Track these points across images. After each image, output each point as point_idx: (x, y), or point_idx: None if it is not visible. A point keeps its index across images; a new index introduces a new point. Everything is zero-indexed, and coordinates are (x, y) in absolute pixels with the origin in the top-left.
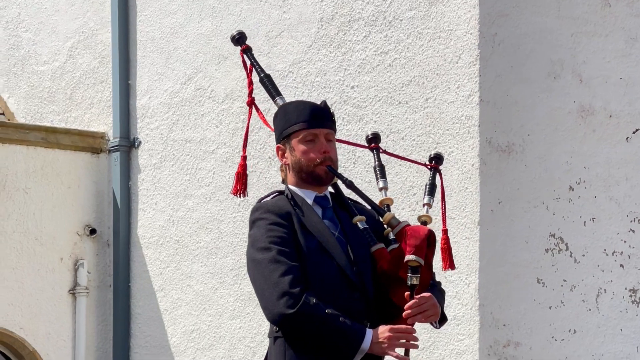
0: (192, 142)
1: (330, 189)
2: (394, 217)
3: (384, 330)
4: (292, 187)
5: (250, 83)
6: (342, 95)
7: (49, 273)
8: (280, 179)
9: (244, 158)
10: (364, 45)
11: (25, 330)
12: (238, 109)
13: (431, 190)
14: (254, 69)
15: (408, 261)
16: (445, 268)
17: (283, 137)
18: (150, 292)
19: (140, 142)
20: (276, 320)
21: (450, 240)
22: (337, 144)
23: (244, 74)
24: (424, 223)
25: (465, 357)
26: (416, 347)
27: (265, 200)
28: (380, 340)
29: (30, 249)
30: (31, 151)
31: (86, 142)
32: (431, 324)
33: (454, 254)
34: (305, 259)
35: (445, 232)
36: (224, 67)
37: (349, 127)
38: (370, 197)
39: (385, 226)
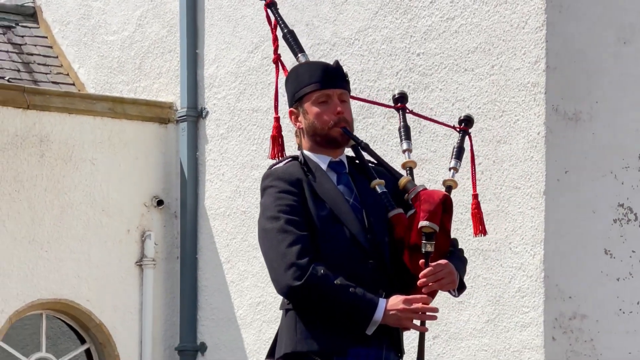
0: (259, 111)
1: (349, 152)
2: (410, 181)
3: (397, 301)
4: (306, 152)
5: (275, 39)
6: (407, 62)
7: (116, 245)
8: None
9: (277, 119)
10: (430, 11)
11: (92, 303)
12: None
13: (458, 153)
14: (278, 25)
15: (422, 227)
16: (475, 234)
17: (295, 100)
18: (217, 264)
19: (207, 112)
20: (284, 292)
21: (515, 211)
22: (373, 106)
23: (310, 41)
24: (449, 187)
25: (530, 330)
26: (434, 318)
27: (276, 166)
28: (393, 311)
29: (97, 221)
30: (98, 122)
31: (153, 113)
32: (449, 292)
33: (518, 224)
34: (315, 228)
35: (475, 196)
36: None
37: (415, 95)
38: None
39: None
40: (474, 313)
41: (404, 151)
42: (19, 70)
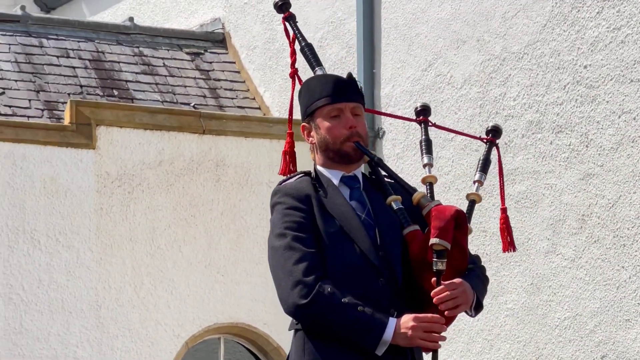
0: (432, 130)
1: (363, 168)
2: (424, 197)
3: (407, 320)
4: (319, 168)
5: (293, 53)
6: (575, 75)
7: None
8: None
9: (291, 135)
10: (596, 22)
11: (269, 326)
12: (475, 94)
13: (484, 166)
14: (296, 39)
15: (432, 245)
16: (505, 250)
17: (307, 114)
18: None
19: (384, 132)
20: (291, 311)
21: None
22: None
23: (481, 57)
24: (473, 202)
25: None
26: (444, 338)
27: (286, 182)
28: (403, 330)
29: None
30: (274, 144)
31: None
32: (465, 312)
33: None
34: (324, 244)
35: (504, 210)
36: (462, 52)
37: (582, 108)
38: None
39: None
40: None
41: (424, 165)
42: (204, 96)
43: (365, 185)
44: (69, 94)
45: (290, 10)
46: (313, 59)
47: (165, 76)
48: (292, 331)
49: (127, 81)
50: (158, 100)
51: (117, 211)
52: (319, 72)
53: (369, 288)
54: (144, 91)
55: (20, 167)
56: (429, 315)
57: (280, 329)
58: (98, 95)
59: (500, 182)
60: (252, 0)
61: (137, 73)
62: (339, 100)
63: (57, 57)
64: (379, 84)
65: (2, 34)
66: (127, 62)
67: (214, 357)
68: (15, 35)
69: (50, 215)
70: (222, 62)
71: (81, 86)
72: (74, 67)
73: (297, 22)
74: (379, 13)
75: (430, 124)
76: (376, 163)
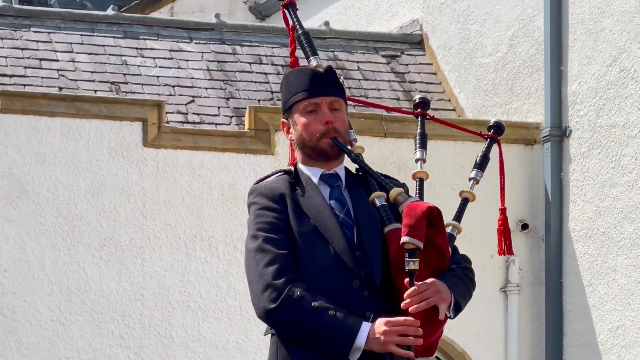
0: (617, 127)
1: (344, 164)
2: (400, 194)
3: (380, 324)
4: (299, 166)
5: (293, 41)
6: None
7: (479, 271)
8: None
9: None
10: None
11: (454, 331)
12: None
13: (481, 163)
14: (295, 27)
15: (403, 243)
16: (500, 253)
17: (285, 110)
18: (580, 288)
19: (570, 131)
20: (261, 315)
21: None
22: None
23: None
24: (465, 200)
25: None
26: (419, 343)
27: (263, 181)
28: (376, 335)
29: (458, 247)
30: (459, 146)
31: (519, 134)
32: (437, 313)
33: None
34: (297, 246)
35: (503, 211)
36: None
37: None
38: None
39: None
40: None
41: (416, 160)
42: (398, 99)
43: (349, 183)
44: (258, 100)
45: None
46: (309, 48)
47: (359, 80)
48: (269, 336)
49: None
50: (350, 105)
51: None
52: (313, 62)
53: (341, 290)
54: None
55: (199, 174)
56: (402, 318)
57: (465, 334)
58: None
59: (500, 181)
60: (448, 0)
61: None
62: (314, 94)
63: (250, 63)
64: (566, 81)
65: (195, 43)
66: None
67: None
68: (209, 44)
69: (228, 222)
70: (419, 64)
71: (272, 92)
72: (265, 74)
73: (297, 9)
74: (567, 8)
75: (427, 117)
76: (353, 159)
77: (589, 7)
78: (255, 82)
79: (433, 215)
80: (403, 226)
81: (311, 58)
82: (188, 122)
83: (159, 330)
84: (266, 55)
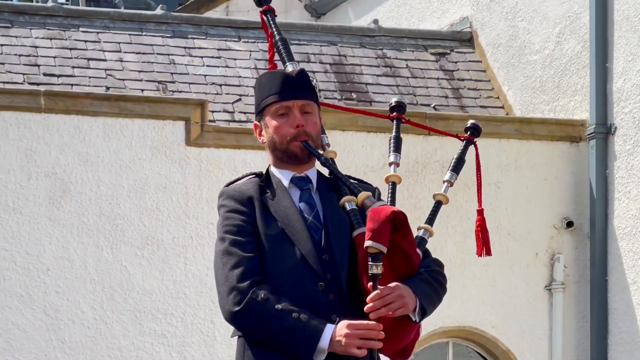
0: None
1: (316, 167)
2: (368, 198)
3: (342, 327)
4: (271, 168)
5: (271, 48)
6: None
7: (523, 269)
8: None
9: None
10: None
11: (497, 329)
12: None
13: (456, 165)
14: (272, 33)
15: (366, 248)
16: (479, 254)
17: (257, 112)
18: (625, 286)
19: (616, 128)
20: (227, 318)
21: None
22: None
23: None
24: (439, 202)
25: None
26: (379, 346)
27: (233, 184)
28: (338, 338)
29: (502, 245)
30: (503, 144)
31: (564, 131)
32: (409, 316)
33: None
34: (263, 248)
35: (480, 212)
36: None
37: None
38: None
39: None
40: None
41: (390, 164)
42: (446, 97)
43: (321, 186)
44: None
45: (270, 4)
46: (285, 54)
47: (407, 77)
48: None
49: (367, 84)
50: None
51: None
52: (289, 67)
53: (307, 293)
54: (383, 94)
55: (241, 173)
56: (364, 322)
57: (509, 332)
58: (335, 99)
59: (477, 182)
60: None
61: (378, 75)
62: (285, 97)
63: (298, 62)
64: (611, 78)
65: (244, 42)
66: (368, 64)
67: None
68: (257, 42)
69: None
70: (468, 62)
71: (319, 90)
72: (314, 72)
73: (275, 16)
74: (612, 5)
75: (403, 120)
76: (323, 163)
77: (634, 4)
78: None
79: (397, 219)
80: (367, 230)
81: (287, 64)
82: (234, 121)
83: (201, 329)
84: (314, 54)
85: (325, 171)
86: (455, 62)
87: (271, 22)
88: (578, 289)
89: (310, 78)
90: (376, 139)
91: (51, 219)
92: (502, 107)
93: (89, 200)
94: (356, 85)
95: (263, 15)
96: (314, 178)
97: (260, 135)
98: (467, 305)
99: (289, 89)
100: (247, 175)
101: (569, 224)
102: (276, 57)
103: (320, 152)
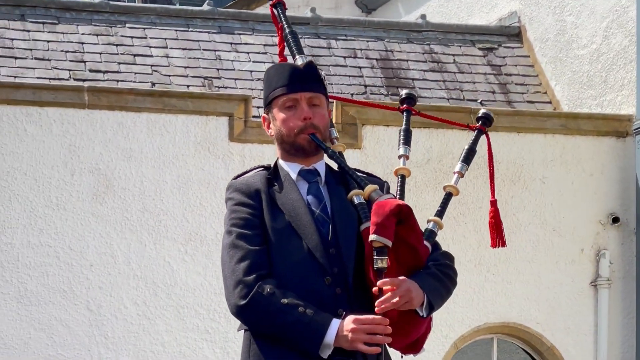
0: None
1: (325, 160)
2: (375, 191)
3: (348, 322)
4: (279, 161)
5: (281, 41)
6: None
7: (568, 265)
8: None
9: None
10: None
11: (542, 325)
12: None
13: (467, 156)
14: (283, 26)
15: (371, 242)
16: (493, 245)
17: (266, 105)
18: None
19: None
20: (233, 311)
21: None
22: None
23: None
24: (449, 194)
25: None
26: (387, 341)
27: (240, 177)
28: (345, 333)
29: (547, 241)
30: (549, 139)
31: (610, 126)
32: (416, 311)
33: None
34: (270, 242)
35: (493, 203)
36: None
37: None
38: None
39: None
40: None
41: (399, 157)
42: (493, 92)
43: (329, 180)
44: (351, 94)
45: None
46: (295, 47)
47: (454, 73)
48: (241, 332)
49: (413, 79)
50: (444, 98)
51: None
52: (299, 61)
53: (313, 287)
54: (430, 89)
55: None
56: (371, 316)
57: (553, 328)
58: (382, 94)
59: (490, 173)
60: None
61: (424, 71)
62: (293, 90)
63: (344, 57)
64: None
65: None
66: (415, 59)
67: (485, 357)
68: (304, 38)
69: None
70: (516, 57)
71: (365, 86)
72: (360, 67)
73: (286, 9)
74: None
75: (413, 112)
76: (330, 156)
77: None
78: (349, 75)
79: (402, 213)
80: (371, 224)
81: (297, 57)
82: None
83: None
84: (361, 49)
85: (334, 164)
86: (503, 57)
87: (281, 15)
88: (624, 285)
89: (319, 70)
90: (420, 134)
91: (94, 214)
92: (550, 102)
93: (132, 196)
94: (402, 81)
95: (273, 9)
96: (322, 171)
97: (268, 128)
98: (511, 301)
99: (297, 81)
100: (255, 168)
101: (615, 220)
102: (286, 51)
103: (329, 145)
